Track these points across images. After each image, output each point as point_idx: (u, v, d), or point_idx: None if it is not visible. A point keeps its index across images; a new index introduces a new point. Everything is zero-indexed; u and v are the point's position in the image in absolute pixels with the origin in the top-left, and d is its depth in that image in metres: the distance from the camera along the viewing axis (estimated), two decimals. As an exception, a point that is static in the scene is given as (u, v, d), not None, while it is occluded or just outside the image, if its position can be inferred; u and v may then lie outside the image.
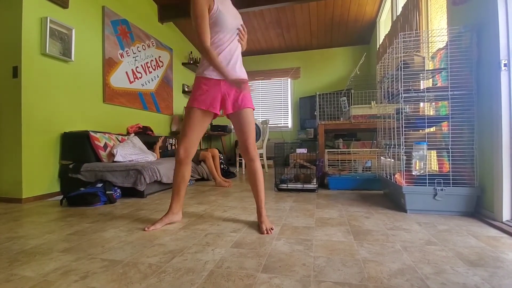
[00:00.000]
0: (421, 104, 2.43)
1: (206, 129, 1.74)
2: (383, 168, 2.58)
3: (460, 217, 1.82)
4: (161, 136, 3.89)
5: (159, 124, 4.63)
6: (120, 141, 3.23)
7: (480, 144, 1.85)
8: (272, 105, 6.39)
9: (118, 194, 2.53)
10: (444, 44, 2.06)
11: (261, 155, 5.10)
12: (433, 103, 2.39)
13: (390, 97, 2.22)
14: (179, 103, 5.30)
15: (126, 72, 3.78)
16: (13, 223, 1.81)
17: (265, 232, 1.53)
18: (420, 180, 1.96)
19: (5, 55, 2.53)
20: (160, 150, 3.69)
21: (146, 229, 1.61)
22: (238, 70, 1.68)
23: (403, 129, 1.98)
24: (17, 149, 2.48)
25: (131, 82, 3.87)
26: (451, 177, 1.85)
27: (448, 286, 0.96)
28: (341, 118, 3.76)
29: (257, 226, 1.65)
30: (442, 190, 1.86)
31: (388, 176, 2.35)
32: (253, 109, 1.72)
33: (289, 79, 6.24)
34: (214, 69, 1.61)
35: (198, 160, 3.52)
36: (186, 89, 5.46)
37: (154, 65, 4.45)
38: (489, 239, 1.41)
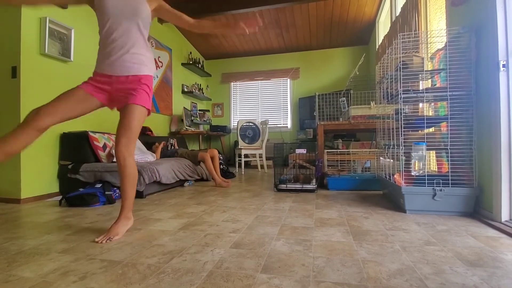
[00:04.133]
0: (420, 105, 2.43)
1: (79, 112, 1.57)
2: (382, 169, 2.59)
3: (459, 217, 1.83)
4: (163, 141, 3.91)
5: (158, 124, 4.63)
6: (119, 142, 3.22)
7: (479, 144, 1.85)
8: (272, 106, 6.39)
9: (117, 194, 2.52)
10: (443, 45, 2.07)
11: (260, 156, 5.10)
12: (432, 104, 2.39)
13: (389, 98, 2.22)
14: (179, 103, 5.30)
15: (125, 72, 3.77)
16: (11, 224, 1.81)
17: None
18: (419, 181, 1.96)
19: (4, 55, 2.52)
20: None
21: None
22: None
23: (402, 129, 1.98)
24: (16, 149, 2.48)
25: (130, 83, 3.86)
26: (450, 178, 1.86)
27: (447, 286, 0.96)
28: (341, 119, 3.76)
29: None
30: (441, 190, 1.86)
31: (387, 177, 2.35)
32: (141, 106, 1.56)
33: (288, 80, 6.25)
34: None
35: (197, 160, 3.51)
36: (186, 90, 5.46)
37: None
38: (488, 239, 1.42)
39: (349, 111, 3.26)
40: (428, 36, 2.33)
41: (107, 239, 1.42)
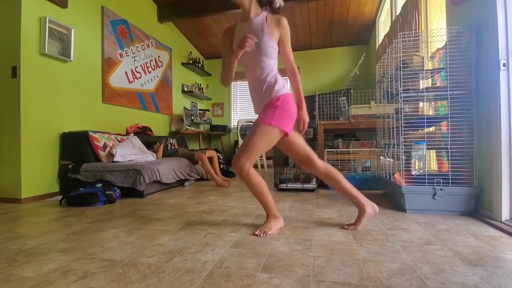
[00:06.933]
0: (421, 104, 2.43)
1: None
2: (383, 168, 2.58)
3: (459, 216, 1.83)
4: (163, 140, 3.92)
5: (159, 124, 4.62)
6: (119, 141, 3.22)
7: (479, 143, 1.85)
8: (272, 105, 6.38)
9: (117, 194, 2.53)
10: (443, 44, 2.07)
11: (260, 155, 5.09)
12: (432, 103, 2.39)
13: (390, 97, 2.22)
14: (179, 103, 5.30)
15: (126, 72, 3.78)
16: (12, 223, 1.81)
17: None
18: (419, 180, 1.96)
19: (4, 55, 2.52)
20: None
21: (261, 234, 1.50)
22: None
23: (403, 128, 1.98)
24: (16, 149, 2.48)
25: (130, 82, 3.87)
26: (450, 177, 1.86)
27: (447, 286, 0.96)
28: (341, 118, 3.76)
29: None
30: (441, 189, 1.86)
31: (388, 176, 2.35)
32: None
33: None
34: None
35: (194, 160, 3.51)
36: (186, 89, 5.45)
37: (154, 65, 4.44)
38: (488, 238, 1.42)
39: (349, 110, 3.26)
40: (428, 35, 2.33)
41: (263, 233, 1.51)
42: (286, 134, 1.55)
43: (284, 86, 1.58)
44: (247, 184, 1.55)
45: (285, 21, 1.55)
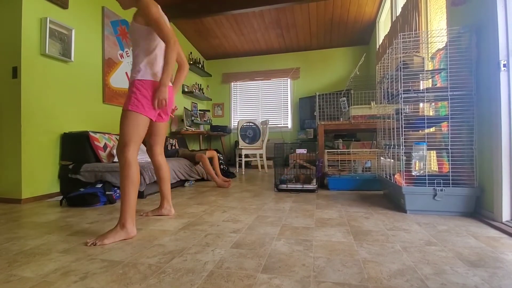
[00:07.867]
0: (421, 105, 2.43)
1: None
2: (383, 169, 2.58)
3: (459, 217, 1.82)
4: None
5: (159, 125, 4.62)
6: (119, 142, 3.22)
7: (480, 144, 1.85)
8: (272, 106, 6.39)
9: (117, 194, 2.53)
10: (444, 45, 2.07)
11: (260, 156, 5.10)
12: (433, 104, 2.39)
13: (390, 98, 2.22)
14: (179, 103, 5.30)
15: (126, 73, 3.78)
16: (12, 224, 1.81)
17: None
18: (419, 181, 1.96)
19: (5, 56, 2.53)
20: None
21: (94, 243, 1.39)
22: None
23: (403, 129, 1.98)
24: (16, 149, 2.48)
25: (130, 83, 3.87)
26: (450, 178, 1.85)
27: (448, 287, 0.96)
28: (341, 119, 3.76)
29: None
30: (441, 190, 1.86)
31: (388, 177, 2.35)
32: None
33: (289, 80, 6.24)
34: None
35: (195, 160, 3.51)
36: (186, 90, 5.46)
37: (154, 66, 4.44)
38: (489, 239, 1.41)
39: (349, 111, 3.26)
40: (429, 36, 2.33)
41: (94, 243, 1.39)
42: (156, 119, 1.71)
43: (140, 71, 1.59)
44: (120, 172, 1.50)
45: (140, 1, 1.59)
